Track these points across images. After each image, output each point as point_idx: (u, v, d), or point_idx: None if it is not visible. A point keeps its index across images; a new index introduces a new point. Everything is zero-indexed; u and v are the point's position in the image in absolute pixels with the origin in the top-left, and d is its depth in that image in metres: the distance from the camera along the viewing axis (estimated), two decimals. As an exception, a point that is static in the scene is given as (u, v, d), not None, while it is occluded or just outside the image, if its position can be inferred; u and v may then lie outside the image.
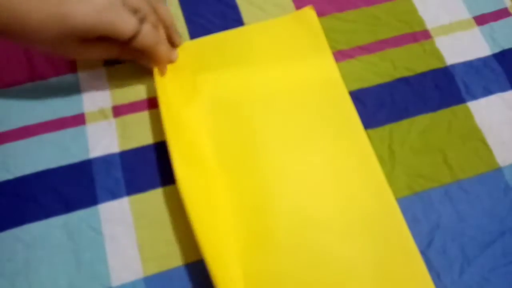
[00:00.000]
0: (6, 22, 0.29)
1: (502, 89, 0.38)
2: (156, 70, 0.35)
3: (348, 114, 0.36)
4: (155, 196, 0.34)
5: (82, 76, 0.38)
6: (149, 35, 0.33)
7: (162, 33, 0.35)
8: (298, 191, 0.33)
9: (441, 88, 0.38)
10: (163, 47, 0.34)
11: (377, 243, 0.32)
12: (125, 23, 0.31)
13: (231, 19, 0.41)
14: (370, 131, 0.36)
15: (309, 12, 0.40)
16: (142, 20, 0.33)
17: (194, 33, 0.40)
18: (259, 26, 0.40)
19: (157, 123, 0.36)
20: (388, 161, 0.35)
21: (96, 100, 0.37)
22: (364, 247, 0.32)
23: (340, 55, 0.39)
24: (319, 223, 0.32)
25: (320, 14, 0.41)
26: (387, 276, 0.31)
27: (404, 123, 0.37)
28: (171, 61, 0.36)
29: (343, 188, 0.33)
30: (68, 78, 0.38)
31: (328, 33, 0.40)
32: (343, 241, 0.32)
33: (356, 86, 0.38)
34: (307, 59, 0.38)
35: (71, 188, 0.33)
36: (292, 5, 0.41)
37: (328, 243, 0.32)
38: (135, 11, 0.32)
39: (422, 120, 0.37)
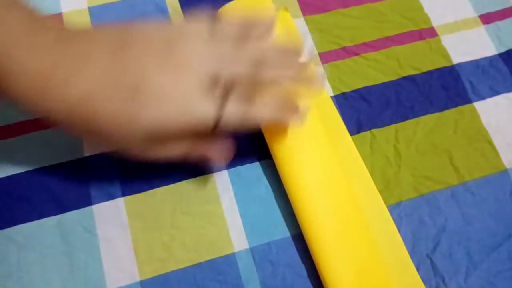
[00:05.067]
0: (73, 121, 0.27)
1: (508, 90, 0.38)
2: None
3: (332, 118, 0.35)
4: (152, 197, 0.33)
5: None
6: (233, 117, 0.27)
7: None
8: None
9: (448, 88, 0.38)
10: (260, 118, 0.28)
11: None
12: (203, 113, 0.26)
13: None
14: (375, 130, 0.36)
15: (283, 14, 0.39)
16: (224, 96, 0.27)
17: (194, 28, 0.39)
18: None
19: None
20: (394, 162, 0.35)
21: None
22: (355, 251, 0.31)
23: (344, 52, 0.39)
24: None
25: (323, 9, 0.40)
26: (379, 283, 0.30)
27: (410, 123, 0.36)
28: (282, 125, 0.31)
29: (333, 195, 0.33)
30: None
31: (332, 29, 0.39)
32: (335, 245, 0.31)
33: (361, 84, 0.37)
34: None
35: (65, 187, 0.33)
36: (295, 1, 0.41)
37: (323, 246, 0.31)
38: (216, 82, 0.27)
39: (428, 120, 0.36)
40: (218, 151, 0.29)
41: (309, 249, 0.31)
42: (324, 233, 0.31)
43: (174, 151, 0.28)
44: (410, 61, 0.38)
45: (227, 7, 0.38)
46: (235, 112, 0.27)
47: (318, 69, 0.33)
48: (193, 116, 0.26)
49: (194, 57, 0.27)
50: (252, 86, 0.27)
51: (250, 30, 0.29)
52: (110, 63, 0.26)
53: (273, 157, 0.34)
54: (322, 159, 0.33)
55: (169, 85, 0.26)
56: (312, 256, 0.31)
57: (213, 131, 0.27)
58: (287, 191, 0.33)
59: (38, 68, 0.26)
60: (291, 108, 0.29)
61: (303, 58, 0.30)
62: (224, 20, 0.29)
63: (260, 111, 0.28)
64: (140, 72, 0.26)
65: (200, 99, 0.26)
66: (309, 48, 0.32)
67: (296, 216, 0.32)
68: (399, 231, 0.32)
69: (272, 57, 0.29)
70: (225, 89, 0.27)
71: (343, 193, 0.32)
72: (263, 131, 0.34)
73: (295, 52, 0.30)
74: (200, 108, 0.26)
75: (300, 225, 0.32)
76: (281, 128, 0.32)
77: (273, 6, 0.38)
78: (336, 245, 0.31)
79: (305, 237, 0.31)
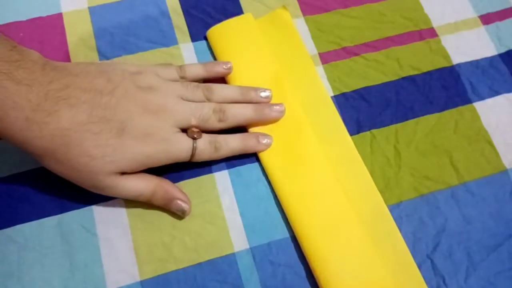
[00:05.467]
0: (55, 148, 0.28)
1: (508, 90, 0.38)
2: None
3: (332, 119, 0.36)
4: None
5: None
6: (206, 150, 0.32)
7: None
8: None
9: (447, 88, 0.38)
10: (225, 152, 0.33)
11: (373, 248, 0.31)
12: (180, 149, 0.31)
13: (232, 13, 0.40)
14: (375, 131, 0.36)
15: (282, 13, 0.39)
16: (195, 137, 0.32)
17: (193, 27, 0.39)
18: (230, 23, 0.39)
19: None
20: (394, 162, 0.35)
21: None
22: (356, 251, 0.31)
23: (344, 52, 0.39)
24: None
25: (324, 9, 0.40)
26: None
27: (410, 123, 0.36)
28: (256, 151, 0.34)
29: (336, 195, 0.33)
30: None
31: (333, 29, 0.39)
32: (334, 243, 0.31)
33: (361, 84, 0.37)
34: (286, 63, 0.37)
35: (65, 187, 0.32)
36: (295, 1, 0.41)
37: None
38: (186, 128, 0.32)
39: (428, 120, 0.36)
40: (181, 193, 0.32)
41: (303, 252, 0.31)
42: (315, 235, 0.31)
43: (140, 189, 0.31)
44: (410, 62, 0.38)
45: (214, 29, 0.38)
46: (207, 148, 0.32)
47: (279, 106, 0.35)
48: (171, 151, 0.31)
49: (169, 103, 0.31)
50: (218, 126, 0.33)
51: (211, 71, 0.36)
52: (95, 104, 0.29)
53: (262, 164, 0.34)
54: (311, 163, 0.34)
55: (150, 126, 0.30)
56: (307, 259, 0.31)
57: (190, 161, 0.32)
58: (277, 195, 0.33)
59: (19, 105, 0.26)
60: (255, 137, 0.34)
61: (263, 94, 0.35)
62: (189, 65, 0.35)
63: (229, 144, 0.33)
64: (124, 113, 0.29)
65: (176, 138, 0.31)
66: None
67: (289, 220, 0.32)
68: (400, 231, 0.32)
69: (234, 99, 0.34)
70: (195, 131, 0.32)
71: (335, 194, 0.33)
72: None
73: (253, 89, 0.35)
74: (176, 145, 0.31)
75: (293, 229, 0.32)
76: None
77: (256, 27, 0.38)
78: (328, 246, 0.31)
79: (298, 240, 0.31)
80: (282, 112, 0.35)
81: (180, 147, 0.31)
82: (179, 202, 0.31)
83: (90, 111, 0.28)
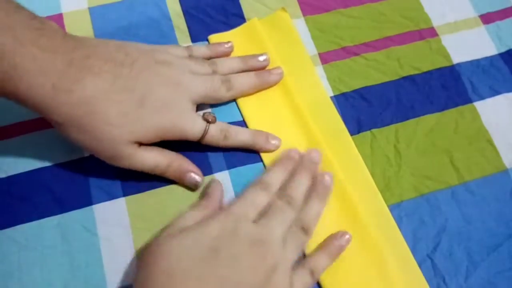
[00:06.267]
0: (80, 116, 0.29)
1: (509, 89, 0.38)
2: None
3: (332, 120, 0.36)
4: (153, 197, 0.33)
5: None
6: (216, 135, 0.33)
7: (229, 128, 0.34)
8: None
9: (448, 88, 0.38)
10: (232, 142, 0.34)
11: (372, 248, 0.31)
12: (194, 128, 0.32)
13: (231, 13, 0.40)
14: (376, 130, 0.36)
15: (282, 15, 0.39)
16: (209, 121, 0.33)
17: (193, 28, 0.39)
18: (234, 33, 0.39)
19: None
20: (394, 161, 0.35)
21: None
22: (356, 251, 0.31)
23: (344, 52, 0.39)
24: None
25: (324, 9, 0.40)
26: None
27: (410, 123, 0.36)
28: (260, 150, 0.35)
29: (337, 195, 0.33)
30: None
31: (333, 29, 0.39)
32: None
33: (361, 84, 0.37)
34: (286, 65, 0.37)
35: (66, 187, 0.33)
36: (295, 1, 0.41)
37: None
38: (204, 102, 0.34)
39: (429, 120, 0.36)
40: (194, 166, 0.33)
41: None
42: (316, 235, 0.31)
43: (157, 161, 0.32)
44: (411, 61, 0.38)
45: (213, 37, 0.39)
46: (217, 134, 0.33)
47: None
48: (185, 128, 0.32)
49: (184, 77, 0.32)
50: (227, 95, 0.35)
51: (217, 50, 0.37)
52: (117, 74, 0.29)
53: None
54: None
55: (168, 98, 0.31)
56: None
57: (198, 142, 0.33)
58: None
59: (45, 71, 0.27)
60: (266, 136, 0.35)
61: (261, 58, 0.37)
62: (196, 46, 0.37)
63: (238, 135, 0.34)
64: (145, 85, 0.30)
65: (192, 115, 0.32)
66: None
67: None
68: (400, 231, 0.32)
69: (237, 69, 0.36)
70: (211, 115, 0.33)
71: (335, 194, 0.33)
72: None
73: (252, 56, 0.37)
74: (191, 123, 0.32)
75: None
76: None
77: (262, 33, 0.39)
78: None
79: None
80: (281, 75, 0.37)
81: (193, 126, 0.32)
82: (192, 175, 0.32)
83: (112, 80, 0.29)
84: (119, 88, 0.29)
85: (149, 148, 0.31)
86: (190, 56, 0.36)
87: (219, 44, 0.38)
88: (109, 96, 0.29)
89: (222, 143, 0.33)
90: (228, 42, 0.38)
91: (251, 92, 0.36)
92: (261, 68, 0.37)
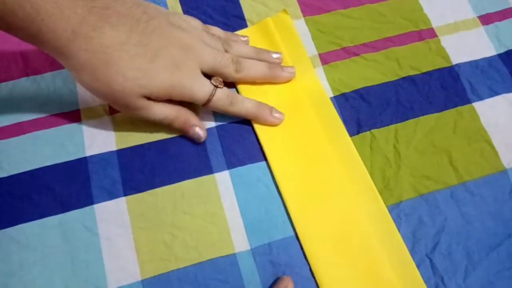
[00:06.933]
0: (97, 64, 0.30)
1: (507, 90, 0.38)
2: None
3: (332, 120, 0.36)
4: (153, 197, 0.33)
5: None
6: (222, 100, 0.34)
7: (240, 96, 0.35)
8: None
9: (447, 88, 0.38)
10: (238, 109, 0.34)
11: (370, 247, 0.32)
12: (201, 90, 0.33)
13: (232, 14, 0.40)
14: (375, 131, 0.36)
15: (283, 16, 0.39)
16: (217, 84, 0.34)
17: (194, 29, 0.39)
18: (243, 32, 0.39)
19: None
20: (394, 162, 0.35)
21: (92, 96, 0.36)
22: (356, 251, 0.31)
23: (344, 53, 0.39)
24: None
25: (324, 10, 0.40)
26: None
27: (410, 123, 0.36)
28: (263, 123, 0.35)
29: (336, 195, 0.33)
30: (63, 73, 0.37)
31: (332, 30, 0.39)
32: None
33: (361, 84, 0.37)
34: (286, 65, 0.37)
35: (67, 187, 0.33)
36: (295, 1, 0.41)
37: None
38: (212, 74, 0.34)
39: (428, 121, 0.36)
40: (199, 122, 0.34)
41: (303, 249, 0.31)
42: (315, 235, 0.31)
43: (165, 113, 0.33)
44: (410, 62, 0.38)
45: None
46: (224, 98, 0.34)
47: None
48: (193, 88, 0.33)
49: (196, 44, 0.33)
50: (234, 75, 0.35)
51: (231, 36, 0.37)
52: (133, 27, 0.30)
53: (266, 157, 0.34)
54: (314, 162, 0.34)
55: (180, 59, 0.32)
56: (306, 256, 0.31)
57: (203, 105, 0.34)
58: (281, 192, 0.33)
59: (66, 16, 0.28)
60: (269, 109, 0.35)
61: (275, 55, 0.37)
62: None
63: (244, 103, 0.35)
64: (158, 42, 0.31)
65: (200, 77, 0.33)
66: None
67: (290, 216, 0.32)
68: (399, 231, 0.32)
69: (249, 56, 0.36)
70: (219, 80, 0.34)
71: (335, 194, 0.33)
72: (257, 134, 0.35)
73: (266, 51, 0.38)
74: (199, 84, 0.33)
75: (295, 228, 0.32)
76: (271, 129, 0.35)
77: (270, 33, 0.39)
78: (327, 246, 0.31)
79: (299, 238, 0.32)
80: (293, 74, 0.37)
81: (201, 88, 0.33)
82: (197, 129, 0.34)
83: (128, 33, 0.30)
84: (134, 41, 0.30)
85: (159, 101, 0.33)
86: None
87: (236, 34, 0.38)
88: (125, 48, 0.30)
89: (228, 108, 0.34)
90: (245, 36, 0.38)
91: (259, 81, 0.36)
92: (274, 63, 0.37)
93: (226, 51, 0.35)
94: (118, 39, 0.30)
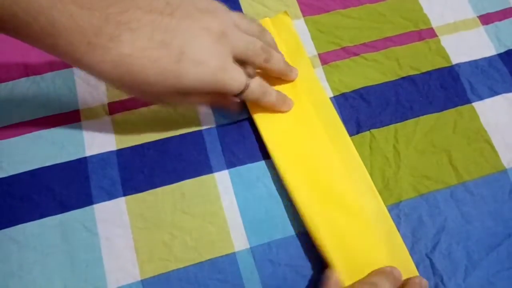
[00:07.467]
0: (120, 75, 0.29)
1: (507, 90, 0.38)
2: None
3: (332, 120, 0.36)
4: (153, 197, 0.33)
5: (77, 72, 0.37)
6: (256, 91, 0.33)
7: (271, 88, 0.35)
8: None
9: (447, 88, 0.38)
10: (269, 99, 0.34)
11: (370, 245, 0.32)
12: (235, 82, 0.31)
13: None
14: (375, 130, 0.36)
15: (283, 18, 0.39)
16: (250, 75, 0.32)
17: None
18: None
19: (155, 121, 0.35)
20: (393, 161, 0.35)
21: (91, 96, 0.36)
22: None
23: (344, 52, 0.39)
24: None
25: (323, 10, 0.40)
26: None
27: (409, 123, 0.36)
28: (280, 111, 0.35)
29: (336, 193, 0.33)
30: (63, 74, 0.37)
31: (332, 29, 0.39)
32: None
33: (361, 84, 0.37)
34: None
35: (66, 187, 0.33)
36: (295, 2, 0.41)
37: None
38: (244, 64, 0.32)
39: (428, 120, 0.36)
40: (234, 102, 0.35)
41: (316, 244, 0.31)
42: (325, 228, 0.31)
43: (200, 102, 0.34)
44: (410, 62, 0.38)
45: None
46: (258, 89, 0.33)
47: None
48: (226, 81, 0.31)
49: (228, 29, 0.31)
50: (263, 65, 0.33)
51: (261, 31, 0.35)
52: (155, 26, 0.29)
53: (268, 150, 0.34)
54: (319, 160, 0.34)
55: (209, 50, 0.30)
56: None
57: (235, 96, 0.32)
58: (285, 186, 0.33)
59: (82, 29, 0.27)
60: (284, 96, 0.35)
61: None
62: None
63: (272, 94, 0.34)
64: (184, 36, 0.29)
65: (233, 68, 0.31)
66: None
67: (298, 211, 0.32)
68: (398, 230, 0.32)
69: (273, 47, 0.35)
70: (251, 68, 0.33)
71: (335, 194, 0.33)
72: (259, 129, 0.35)
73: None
74: (232, 76, 0.31)
75: (304, 221, 0.32)
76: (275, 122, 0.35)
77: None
78: (331, 241, 0.31)
79: (309, 232, 0.32)
80: (296, 76, 0.37)
81: (234, 78, 0.31)
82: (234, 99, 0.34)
83: (150, 34, 0.28)
84: (156, 43, 0.29)
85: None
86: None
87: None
88: (146, 54, 0.28)
89: (261, 98, 0.33)
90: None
91: (275, 74, 0.35)
92: None
93: (258, 37, 0.34)
94: (138, 44, 0.28)
